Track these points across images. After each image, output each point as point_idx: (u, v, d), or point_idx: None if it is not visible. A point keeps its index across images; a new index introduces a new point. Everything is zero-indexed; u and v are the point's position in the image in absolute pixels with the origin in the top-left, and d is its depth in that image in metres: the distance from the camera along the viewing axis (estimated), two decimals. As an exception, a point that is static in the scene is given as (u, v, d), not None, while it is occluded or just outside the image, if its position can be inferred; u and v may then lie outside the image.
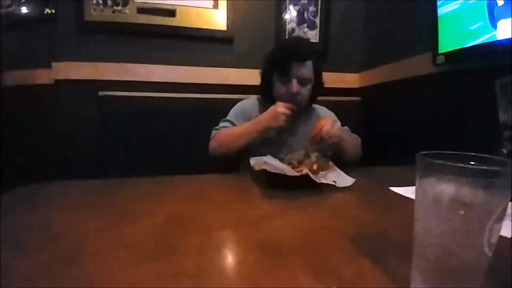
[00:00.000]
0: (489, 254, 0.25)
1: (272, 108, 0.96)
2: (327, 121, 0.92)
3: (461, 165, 0.24)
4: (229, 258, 0.39)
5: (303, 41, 1.12)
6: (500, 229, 0.25)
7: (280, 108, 0.93)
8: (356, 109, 1.80)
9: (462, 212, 0.25)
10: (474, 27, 0.96)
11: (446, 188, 0.26)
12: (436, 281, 0.28)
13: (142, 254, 0.39)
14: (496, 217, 0.24)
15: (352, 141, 1.06)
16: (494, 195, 0.24)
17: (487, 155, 0.28)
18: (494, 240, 0.25)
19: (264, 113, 0.97)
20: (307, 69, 1.01)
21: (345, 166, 0.84)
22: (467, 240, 0.25)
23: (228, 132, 1.03)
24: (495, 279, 0.31)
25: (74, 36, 1.50)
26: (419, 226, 0.29)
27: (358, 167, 1.03)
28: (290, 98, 1.00)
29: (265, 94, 1.11)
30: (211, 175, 0.87)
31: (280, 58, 1.02)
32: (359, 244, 0.42)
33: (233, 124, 1.08)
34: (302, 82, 1.01)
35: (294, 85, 0.99)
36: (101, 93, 1.48)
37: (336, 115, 1.20)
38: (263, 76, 1.11)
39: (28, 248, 0.40)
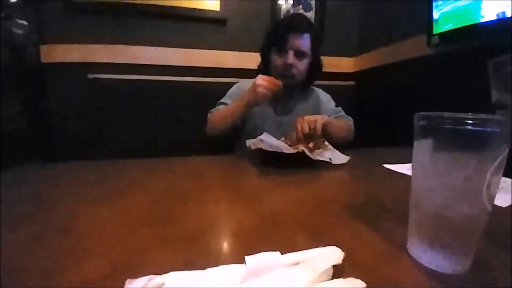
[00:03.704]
0: (489, 208, 0.25)
1: (253, 80, 0.90)
2: (300, 120, 0.86)
3: (458, 127, 0.24)
4: (228, 223, 0.39)
5: (301, 15, 1.09)
6: (499, 182, 0.25)
7: (259, 80, 0.87)
8: (350, 94, 1.80)
9: (460, 167, 0.25)
10: (468, 7, 0.96)
11: (443, 145, 0.26)
12: (434, 236, 0.28)
13: (139, 221, 0.38)
14: (494, 169, 0.24)
15: (340, 124, 1.05)
16: (491, 148, 0.24)
17: (484, 115, 0.28)
18: (493, 192, 0.25)
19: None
20: (304, 42, 1.00)
21: (338, 146, 0.84)
22: (465, 193, 0.25)
23: (219, 113, 1.03)
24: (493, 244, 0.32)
25: (62, 16, 1.44)
26: (416, 183, 0.29)
27: (352, 148, 1.03)
28: (284, 69, 1.00)
29: (263, 72, 1.10)
30: (207, 157, 0.87)
31: (278, 29, 1.02)
32: (354, 211, 0.42)
33: None
34: (298, 54, 1.00)
35: (290, 56, 0.99)
36: (90, 76, 1.44)
37: None
38: (262, 52, 1.10)
39: (21, 220, 0.39)
